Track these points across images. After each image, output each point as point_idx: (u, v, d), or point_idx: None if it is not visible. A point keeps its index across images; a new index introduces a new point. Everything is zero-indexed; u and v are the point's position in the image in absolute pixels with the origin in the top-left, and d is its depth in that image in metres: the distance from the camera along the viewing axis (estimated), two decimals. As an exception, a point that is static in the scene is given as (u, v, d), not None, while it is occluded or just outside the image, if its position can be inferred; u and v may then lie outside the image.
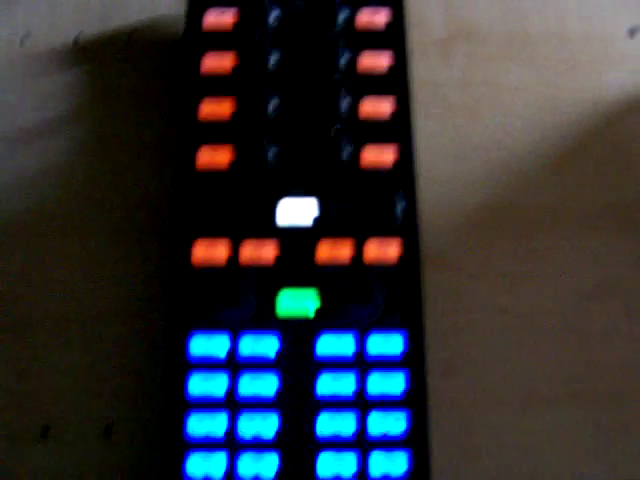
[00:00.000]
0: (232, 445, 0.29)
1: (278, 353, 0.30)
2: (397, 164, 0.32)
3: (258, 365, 0.30)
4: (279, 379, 0.30)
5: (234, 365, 0.30)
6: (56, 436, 0.31)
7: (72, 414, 0.31)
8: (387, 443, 0.29)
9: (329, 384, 0.30)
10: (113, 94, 0.36)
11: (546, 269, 0.33)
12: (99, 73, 0.36)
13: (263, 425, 0.29)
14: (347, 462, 0.29)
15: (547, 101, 0.36)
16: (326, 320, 0.30)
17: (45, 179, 0.35)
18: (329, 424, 0.29)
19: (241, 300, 0.30)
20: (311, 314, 0.30)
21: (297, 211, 0.31)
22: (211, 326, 0.30)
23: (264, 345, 0.30)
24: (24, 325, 0.32)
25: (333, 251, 0.31)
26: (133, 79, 0.36)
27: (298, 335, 0.30)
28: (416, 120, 0.33)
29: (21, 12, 0.37)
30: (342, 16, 0.33)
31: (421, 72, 0.35)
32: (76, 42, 0.37)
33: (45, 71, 0.36)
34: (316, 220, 0.31)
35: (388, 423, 0.29)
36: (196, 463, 0.29)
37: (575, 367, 0.32)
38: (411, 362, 0.30)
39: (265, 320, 0.30)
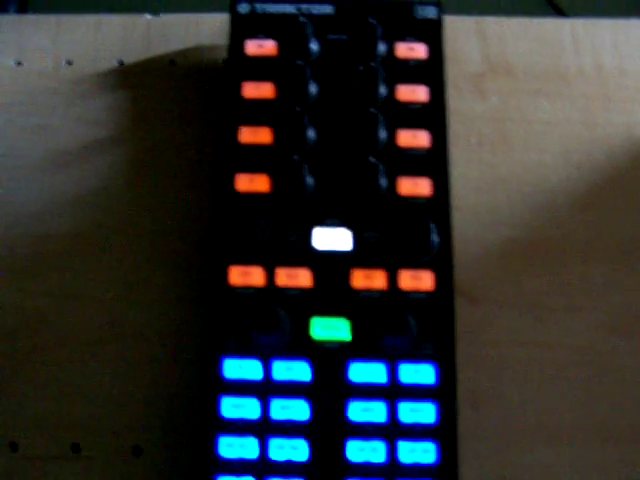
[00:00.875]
0: (263, 469, 0.29)
1: (310, 379, 0.30)
2: (432, 196, 0.32)
3: (290, 391, 0.30)
4: (310, 405, 0.30)
5: (266, 390, 0.30)
6: (87, 455, 0.31)
7: (103, 433, 0.32)
8: (417, 472, 0.29)
9: (360, 411, 0.30)
10: (154, 118, 0.36)
11: (576, 303, 0.34)
12: (141, 98, 0.37)
13: (294, 451, 0.29)
14: (376, 491, 0.29)
15: (580, 137, 0.36)
16: (358, 348, 0.30)
17: (85, 201, 0.35)
18: (359, 452, 0.29)
19: (275, 326, 0.30)
20: (344, 341, 0.30)
21: (332, 240, 0.32)
22: (245, 350, 0.30)
23: (296, 371, 0.30)
24: (59, 345, 0.33)
25: (367, 280, 0.31)
26: (174, 104, 0.37)
27: (330, 362, 0.30)
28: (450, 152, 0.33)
29: (66, 38, 0.38)
30: (381, 49, 0.34)
31: (456, 105, 0.36)
32: (119, 67, 0.38)
33: (88, 95, 0.37)
34: (351, 249, 0.32)
35: (418, 453, 0.29)
36: (227, 486, 0.29)
37: (603, 403, 0.32)
38: (442, 393, 0.30)
39: (298, 346, 0.30)
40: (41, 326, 0.33)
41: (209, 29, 0.38)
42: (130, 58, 0.38)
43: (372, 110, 0.33)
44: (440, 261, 0.31)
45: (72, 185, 0.35)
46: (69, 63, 0.38)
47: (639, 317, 0.33)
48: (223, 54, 0.36)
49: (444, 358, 0.30)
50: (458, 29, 0.37)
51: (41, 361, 0.33)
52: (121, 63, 0.38)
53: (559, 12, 0.86)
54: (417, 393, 0.30)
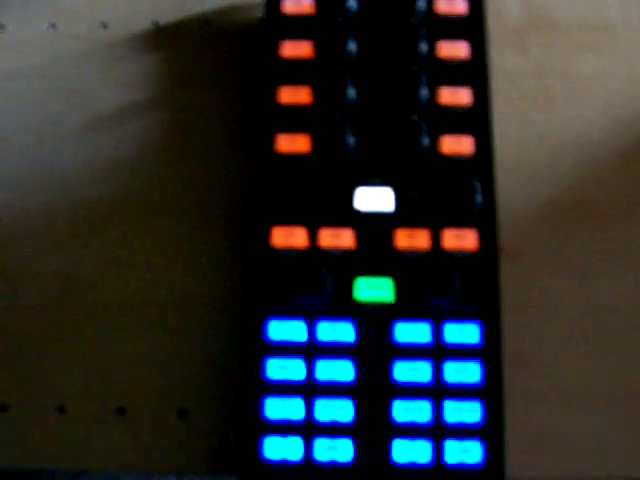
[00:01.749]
0: (308, 430, 0.29)
1: (355, 340, 0.30)
2: (475, 154, 0.32)
3: (335, 351, 0.30)
4: (355, 366, 0.30)
5: (311, 351, 0.30)
6: (132, 417, 0.32)
7: (148, 396, 0.32)
8: (462, 432, 0.29)
9: (405, 372, 0.30)
10: (191, 80, 0.36)
11: (622, 263, 0.33)
12: (177, 59, 0.37)
13: (339, 411, 0.29)
14: (422, 450, 0.29)
15: (623, 92, 0.35)
16: (403, 309, 0.30)
17: (123, 166, 0.35)
18: (404, 412, 0.29)
19: (319, 287, 0.30)
20: (388, 301, 0.30)
21: (375, 199, 0.31)
22: (289, 312, 0.30)
23: (341, 332, 0.30)
24: (104, 310, 0.33)
25: (411, 240, 0.31)
26: (210, 65, 0.36)
27: (375, 323, 0.30)
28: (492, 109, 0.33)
29: (101, 0, 0.38)
30: (421, 4, 0.33)
31: (496, 61, 0.35)
32: (154, 29, 0.37)
33: (123, 58, 0.37)
34: (394, 209, 0.31)
35: (463, 412, 0.29)
36: (273, 446, 0.29)
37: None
38: (487, 353, 0.30)
39: (342, 307, 0.30)
40: (85, 293, 0.33)
41: (244, -12, 0.37)
42: (164, 19, 0.37)
43: (413, 68, 0.32)
44: (484, 220, 0.31)
45: (110, 150, 0.35)
46: (103, 26, 0.37)
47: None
48: (259, 13, 0.36)
49: (489, 318, 0.30)
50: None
51: (87, 327, 0.33)
52: (156, 24, 0.37)
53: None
54: (462, 353, 0.30)
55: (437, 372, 0.30)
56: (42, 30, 0.38)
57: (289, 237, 0.31)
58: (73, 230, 0.34)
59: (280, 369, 0.30)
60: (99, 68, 0.37)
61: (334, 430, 0.29)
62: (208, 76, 0.36)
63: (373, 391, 0.30)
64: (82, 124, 0.36)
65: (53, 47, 0.37)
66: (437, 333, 0.30)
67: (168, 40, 0.37)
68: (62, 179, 0.35)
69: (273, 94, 0.33)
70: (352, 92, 0.32)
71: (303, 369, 0.30)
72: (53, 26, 0.38)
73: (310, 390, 0.30)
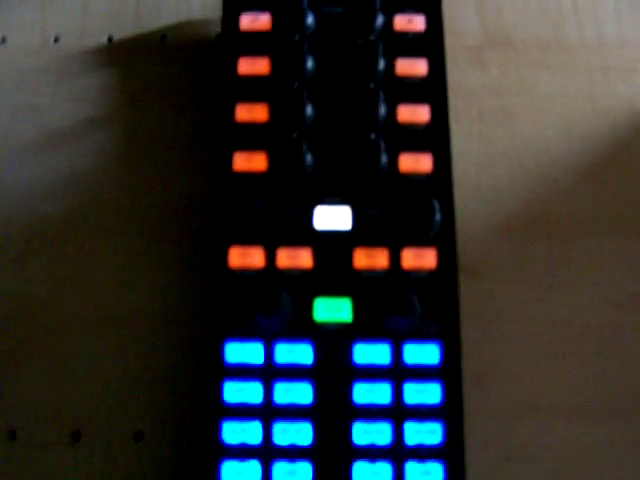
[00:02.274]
0: (267, 453, 0.29)
1: (313, 361, 0.30)
2: (434, 172, 0.31)
3: (293, 373, 0.30)
4: (314, 387, 0.29)
5: (269, 373, 0.29)
6: (87, 441, 0.31)
7: (103, 419, 0.31)
8: (423, 453, 0.29)
9: (364, 393, 0.29)
10: (146, 96, 0.36)
11: (580, 278, 0.33)
12: (132, 75, 0.36)
13: (298, 434, 0.29)
14: (383, 472, 0.29)
15: (582, 109, 0.36)
16: (362, 329, 0.30)
17: (77, 182, 0.34)
18: (364, 434, 0.29)
19: (277, 307, 0.29)
20: (347, 321, 0.30)
21: (333, 218, 0.31)
22: (246, 333, 0.30)
23: (299, 353, 0.30)
24: (57, 329, 0.32)
25: (369, 259, 0.30)
26: (166, 80, 0.36)
27: (333, 344, 0.30)
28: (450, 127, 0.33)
29: (53, 13, 0.37)
30: (379, 21, 0.33)
31: (455, 78, 0.35)
32: (109, 43, 0.37)
33: (77, 73, 0.36)
34: (353, 227, 0.31)
35: (424, 434, 0.29)
36: (231, 470, 0.29)
37: (609, 380, 0.32)
38: (447, 372, 0.30)
39: (300, 328, 0.30)
40: (38, 312, 0.32)
41: (200, 2, 0.37)
42: (119, 33, 0.37)
43: (371, 85, 0.32)
44: (443, 239, 0.31)
45: (64, 166, 0.35)
46: (56, 40, 0.37)
47: (643, 291, 0.33)
48: (216, 28, 0.35)
49: (449, 337, 0.30)
50: (456, 0, 0.36)
51: (39, 348, 0.32)
52: (110, 39, 0.37)
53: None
54: (422, 373, 0.29)
55: (397, 393, 0.29)
56: (-7, 44, 0.37)
57: (246, 257, 0.30)
58: (26, 247, 0.33)
59: (238, 392, 0.29)
60: (52, 83, 0.36)
61: (293, 453, 0.29)
62: (164, 92, 0.36)
63: (332, 413, 0.29)
64: (35, 139, 0.35)
65: (5, 61, 0.37)
66: (397, 353, 0.30)
67: (123, 55, 0.36)
68: (14, 195, 0.34)
69: (230, 112, 0.32)
70: (309, 110, 0.32)
71: (261, 392, 0.29)
72: (4, 39, 0.37)
73: (268, 413, 0.29)
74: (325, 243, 0.31)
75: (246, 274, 0.30)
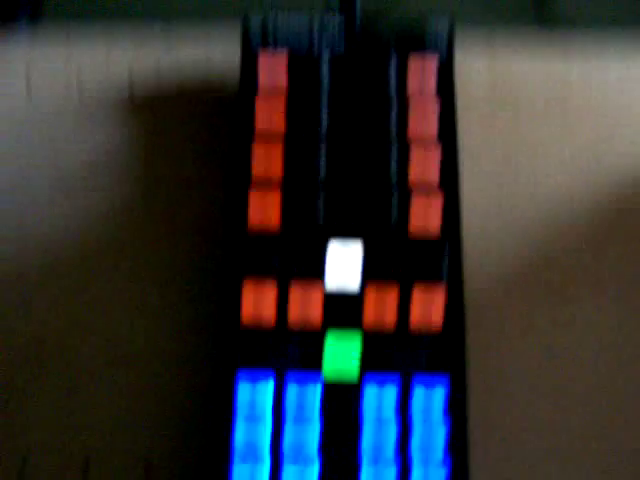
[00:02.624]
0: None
1: (322, 404, 0.30)
2: (443, 227, 0.33)
3: (302, 415, 0.30)
4: (322, 430, 0.30)
5: (279, 414, 0.30)
6: (96, 473, 0.31)
7: (113, 450, 0.32)
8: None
9: (372, 436, 0.30)
10: (163, 148, 0.37)
11: (583, 336, 0.34)
12: (150, 126, 0.37)
13: (305, 476, 0.29)
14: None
15: (586, 172, 0.37)
16: (370, 372, 0.31)
17: (91, 227, 0.35)
18: (371, 477, 0.29)
19: (287, 349, 0.30)
20: (356, 364, 0.31)
21: (344, 265, 0.32)
22: (257, 373, 0.30)
23: (308, 395, 0.30)
24: (69, 368, 0.33)
25: (378, 308, 0.31)
26: (184, 134, 0.37)
27: (342, 386, 0.30)
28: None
29: (77, 65, 0.38)
30: (393, 69, 0.34)
31: (463, 138, 0.36)
32: (129, 94, 0.38)
33: (98, 123, 0.37)
34: (362, 275, 0.32)
35: (430, 478, 0.29)
36: (239, 511, 0.29)
37: (610, 438, 0.33)
38: (453, 420, 0.30)
39: (310, 370, 0.31)
40: (50, 351, 0.33)
41: (221, 58, 0.38)
42: (140, 85, 0.38)
43: (385, 140, 0.33)
44: (452, 288, 0.32)
45: (79, 214, 0.36)
46: (79, 90, 0.38)
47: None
48: (234, 86, 0.37)
49: (455, 385, 0.31)
50: (467, 61, 0.38)
51: (51, 385, 0.33)
52: (131, 90, 0.38)
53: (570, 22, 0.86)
54: (429, 420, 0.30)
55: (404, 437, 0.30)
56: (17, 92, 0.38)
57: (258, 303, 0.31)
58: (43, 290, 0.34)
59: (247, 432, 0.30)
60: (72, 131, 0.37)
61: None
62: (182, 143, 0.37)
63: (340, 456, 0.30)
64: (53, 186, 0.36)
65: (28, 109, 0.38)
66: (404, 398, 0.30)
67: (143, 107, 0.38)
68: (32, 239, 0.35)
69: (247, 164, 0.33)
70: (323, 163, 0.33)
71: (270, 432, 0.30)
72: (28, 88, 0.38)
73: (277, 454, 0.30)
74: (335, 302, 0.32)
75: (257, 330, 0.31)
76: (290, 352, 0.31)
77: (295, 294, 0.31)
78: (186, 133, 0.37)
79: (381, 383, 0.30)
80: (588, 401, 0.33)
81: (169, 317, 0.34)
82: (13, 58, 0.38)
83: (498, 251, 0.35)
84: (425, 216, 0.32)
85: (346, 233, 0.32)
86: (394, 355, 0.31)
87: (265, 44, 0.35)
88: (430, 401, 0.30)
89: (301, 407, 0.30)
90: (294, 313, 0.31)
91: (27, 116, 0.37)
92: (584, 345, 0.34)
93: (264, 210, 0.32)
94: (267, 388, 0.30)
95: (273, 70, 0.35)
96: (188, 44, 0.39)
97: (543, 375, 0.33)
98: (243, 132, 0.34)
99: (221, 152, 0.36)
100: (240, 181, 0.33)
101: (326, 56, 0.34)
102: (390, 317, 0.31)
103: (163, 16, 0.40)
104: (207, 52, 0.39)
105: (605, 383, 0.34)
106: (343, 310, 0.31)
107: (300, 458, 0.30)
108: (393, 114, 0.34)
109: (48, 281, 0.34)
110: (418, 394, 0.30)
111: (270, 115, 0.34)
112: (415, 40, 0.35)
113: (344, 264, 0.32)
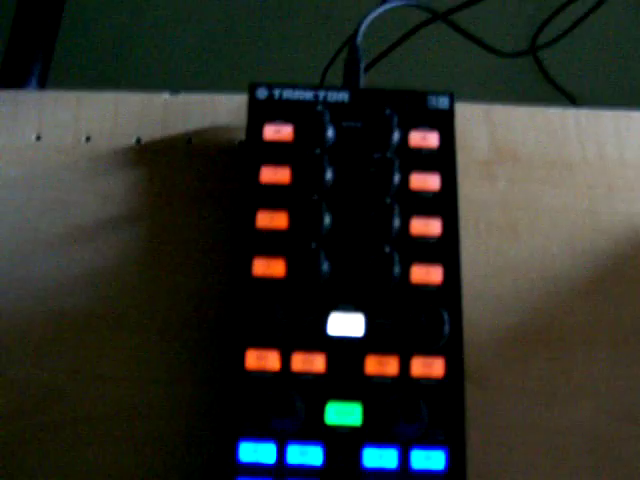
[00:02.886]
0: None
1: (323, 464, 0.31)
2: (444, 283, 0.33)
3: (303, 474, 0.31)
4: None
5: (280, 473, 0.31)
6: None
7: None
8: None
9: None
10: (171, 196, 0.37)
11: (579, 388, 0.34)
12: (158, 175, 0.38)
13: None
14: None
15: (584, 225, 0.37)
16: (371, 433, 0.31)
17: (99, 277, 0.36)
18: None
19: (290, 410, 0.31)
20: (356, 425, 0.31)
21: (346, 325, 0.32)
22: (260, 434, 0.31)
23: (310, 455, 0.31)
24: (72, 422, 0.33)
25: (380, 366, 0.32)
26: (190, 182, 0.38)
27: (343, 447, 0.31)
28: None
29: (86, 114, 0.39)
30: (396, 137, 0.35)
31: (465, 191, 0.37)
32: (137, 145, 0.39)
33: (106, 171, 0.38)
34: (365, 334, 0.32)
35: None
36: None
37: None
38: (452, 479, 0.31)
39: (312, 431, 0.31)
40: (55, 402, 0.34)
41: (226, 109, 0.39)
42: (148, 136, 0.39)
43: (387, 200, 0.34)
44: (451, 348, 0.32)
45: (88, 262, 0.36)
46: (88, 139, 0.39)
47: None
48: (239, 135, 0.37)
49: (454, 444, 0.31)
50: (468, 116, 0.39)
51: (54, 438, 0.33)
52: (139, 141, 0.39)
53: (569, 99, 0.88)
54: (428, 478, 0.31)
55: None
56: (28, 140, 0.39)
57: (262, 360, 0.32)
58: (48, 339, 0.35)
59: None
60: (81, 180, 0.38)
61: None
62: (188, 193, 0.37)
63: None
64: (62, 234, 0.37)
65: (38, 157, 0.38)
66: (404, 458, 0.31)
67: (150, 156, 0.38)
68: (39, 287, 0.36)
69: (251, 218, 0.34)
70: (327, 219, 0.34)
71: None
72: (39, 137, 0.39)
73: (278, 513, 0.30)
74: (338, 349, 0.32)
75: (261, 376, 0.32)
76: (295, 401, 0.31)
77: (297, 362, 0.32)
78: (191, 180, 0.38)
79: (382, 443, 0.31)
80: (586, 453, 0.33)
81: (172, 372, 0.34)
82: (24, 115, 0.39)
83: (496, 307, 0.36)
84: (426, 278, 0.33)
85: (348, 296, 0.33)
86: (396, 408, 0.31)
87: (271, 115, 0.36)
88: (430, 460, 0.31)
89: (303, 465, 0.31)
90: (296, 369, 0.32)
91: (37, 167, 0.38)
92: (579, 396, 0.34)
93: (268, 263, 0.33)
94: (270, 446, 0.31)
95: (279, 126, 0.35)
96: (195, 94, 0.39)
97: (539, 428, 0.34)
98: (248, 185, 0.35)
99: (225, 199, 0.37)
100: (245, 234, 0.34)
101: (331, 130, 0.35)
102: (392, 370, 0.32)
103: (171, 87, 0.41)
104: (213, 98, 0.39)
105: (602, 434, 0.34)
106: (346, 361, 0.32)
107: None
108: (396, 173, 0.34)
109: (57, 330, 0.35)
110: (418, 453, 0.31)
111: (275, 171, 0.35)
112: (416, 115, 0.35)
113: (345, 333, 0.32)
